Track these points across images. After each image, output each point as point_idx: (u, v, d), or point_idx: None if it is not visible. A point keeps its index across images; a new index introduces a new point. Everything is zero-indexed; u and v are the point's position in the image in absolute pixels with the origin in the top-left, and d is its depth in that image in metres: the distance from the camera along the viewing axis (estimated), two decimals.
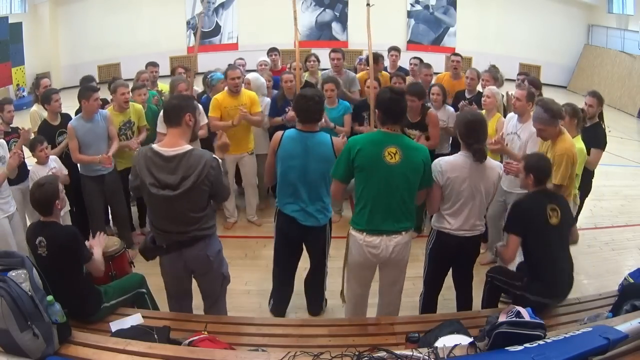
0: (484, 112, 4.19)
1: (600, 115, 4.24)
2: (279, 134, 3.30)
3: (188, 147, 2.64)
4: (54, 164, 4.09)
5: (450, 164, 2.93)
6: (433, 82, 5.29)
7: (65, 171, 4.18)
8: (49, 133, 4.25)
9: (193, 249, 2.77)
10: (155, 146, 2.68)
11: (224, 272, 3.00)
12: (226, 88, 4.72)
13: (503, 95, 4.67)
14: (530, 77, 4.91)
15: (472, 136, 2.90)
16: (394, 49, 6.31)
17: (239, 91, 4.65)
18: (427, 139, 4.38)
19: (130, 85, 5.32)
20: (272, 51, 6.55)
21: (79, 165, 4.38)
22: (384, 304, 3.23)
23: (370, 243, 2.87)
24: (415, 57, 6.11)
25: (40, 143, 3.96)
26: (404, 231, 2.90)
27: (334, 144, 3.20)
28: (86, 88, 4.19)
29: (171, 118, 2.69)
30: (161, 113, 3.73)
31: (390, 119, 2.84)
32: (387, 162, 2.77)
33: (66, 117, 4.50)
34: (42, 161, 4.00)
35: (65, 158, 4.38)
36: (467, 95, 5.02)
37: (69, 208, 4.12)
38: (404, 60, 6.38)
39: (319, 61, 6.15)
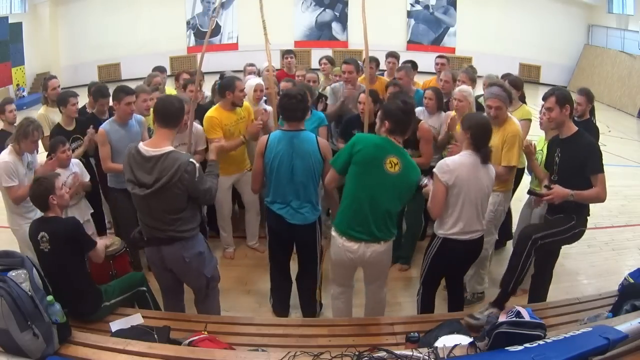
0: (453, 113, 4.04)
1: (592, 112, 4.11)
2: (264, 137, 3.33)
3: (168, 148, 2.68)
4: (76, 168, 3.75)
5: (457, 162, 2.90)
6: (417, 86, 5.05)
7: (87, 177, 3.89)
8: None
9: (170, 247, 2.83)
10: (141, 144, 2.74)
11: (206, 274, 3.00)
12: (222, 102, 4.15)
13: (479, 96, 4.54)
14: (511, 77, 4.72)
15: (485, 139, 2.92)
16: (392, 55, 5.73)
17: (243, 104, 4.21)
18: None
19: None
20: (287, 53, 6.09)
21: (108, 176, 3.97)
22: (369, 302, 3.25)
23: (348, 248, 2.91)
24: (392, 56, 5.58)
25: (62, 144, 3.61)
26: (383, 241, 2.91)
27: (319, 142, 3.23)
28: (119, 89, 3.78)
29: (170, 119, 2.73)
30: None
31: (399, 129, 2.86)
32: (386, 170, 2.79)
33: (81, 122, 4.18)
34: (63, 164, 3.64)
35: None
36: (444, 99, 4.71)
37: (91, 210, 3.97)
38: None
39: (332, 64, 5.84)
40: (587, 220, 3.20)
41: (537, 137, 3.96)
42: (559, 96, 3.03)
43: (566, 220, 3.09)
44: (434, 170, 2.94)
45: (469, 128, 2.93)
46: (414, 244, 4.42)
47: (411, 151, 3.87)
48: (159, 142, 2.71)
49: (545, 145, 3.57)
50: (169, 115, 2.73)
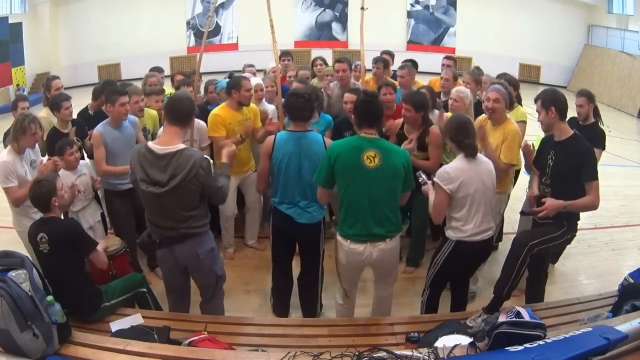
0: (449, 114, 4.04)
1: (596, 113, 4.03)
2: (271, 137, 3.33)
3: (181, 146, 2.70)
4: (85, 169, 3.72)
5: (456, 169, 2.91)
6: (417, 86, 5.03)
7: (97, 177, 3.80)
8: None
9: (183, 246, 2.82)
10: (150, 143, 2.74)
11: (217, 271, 3.02)
12: (228, 101, 4.13)
13: (477, 96, 4.53)
14: (507, 76, 4.69)
15: (461, 133, 2.92)
16: (386, 53, 5.77)
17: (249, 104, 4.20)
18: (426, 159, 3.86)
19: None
20: (284, 56, 5.93)
21: (103, 178, 3.87)
22: (377, 299, 3.26)
23: (354, 250, 2.90)
24: (386, 53, 5.61)
25: (69, 146, 3.55)
26: (388, 238, 2.90)
27: (325, 141, 3.24)
28: (112, 91, 3.76)
29: (180, 118, 2.74)
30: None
31: (365, 121, 2.86)
32: (366, 167, 2.78)
33: (77, 124, 4.12)
34: (71, 166, 3.58)
35: None
36: (443, 98, 4.78)
37: (101, 210, 3.93)
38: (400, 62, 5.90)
39: (326, 64, 5.80)
40: (577, 224, 3.19)
41: (535, 137, 3.96)
42: (543, 99, 3.01)
43: (559, 227, 3.08)
44: (435, 179, 2.94)
45: (447, 131, 2.98)
46: (422, 246, 4.38)
47: (420, 153, 3.88)
48: (169, 139, 2.71)
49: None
50: (182, 113, 2.74)
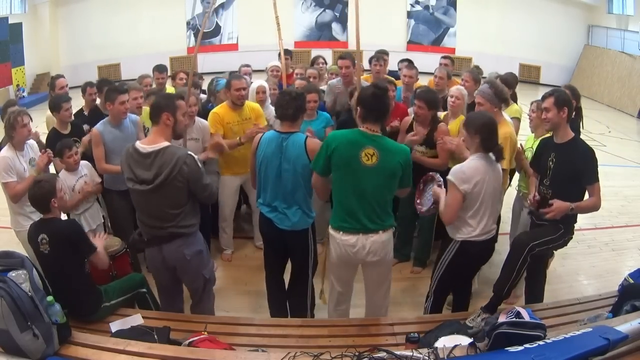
0: (448, 113, 4.07)
1: (578, 112, 4.00)
2: (259, 136, 3.27)
3: (165, 144, 2.72)
4: (85, 170, 3.70)
5: (473, 169, 2.87)
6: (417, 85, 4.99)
7: (98, 179, 3.79)
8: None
9: (171, 245, 2.83)
10: (137, 142, 2.79)
11: (205, 274, 3.00)
12: (227, 100, 4.15)
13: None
14: (504, 75, 4.62)
15: (493, 137, 2.90)
16: (381, 52, 5.55)
17: (244, 104, 4.14)
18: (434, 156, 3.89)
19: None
20: (284, 54, 5.89)
21: (104, 177, 3.89)
22: (371, 305, 3.18)
23: (347, 241, 2.86)
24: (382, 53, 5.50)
25: (68, 148, 3.54)
26: (381, 230, 2.87)
27: (307, 144, 3.05)
28: (112, 89, 3.77)
29: (152, 116, 2.81)
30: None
31: (371, 116, 2.80)
32: (363, 164, 2.75)
33: (77, 126, 4.11)
34: (71, 168, 3.59)
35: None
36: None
37: (103, 213, 3.94)
38: (396, 63, 5.68)
39: (326, 63, 5.79)
40: (574, 227, 3.19)
41: (526, 136, 3.97)
42: (558, 97, 2.98)
43: (557, 229, 3.08)
44: (450, 177, 2.89)
45: (476, 132, 2.90)
46: (429, 245, 4.34)
47: (428, 150, 3.89)
48: (155, 138, 2.76)
49: (535, 143, 3.55)
50: (150, 111, 2.82)
